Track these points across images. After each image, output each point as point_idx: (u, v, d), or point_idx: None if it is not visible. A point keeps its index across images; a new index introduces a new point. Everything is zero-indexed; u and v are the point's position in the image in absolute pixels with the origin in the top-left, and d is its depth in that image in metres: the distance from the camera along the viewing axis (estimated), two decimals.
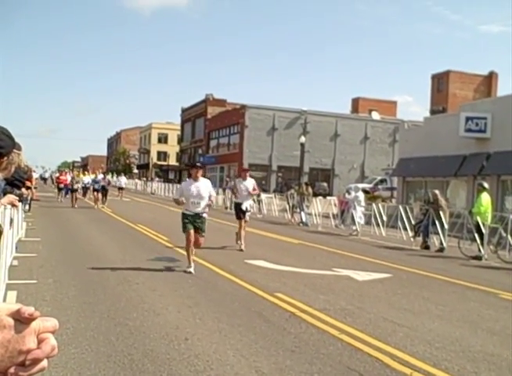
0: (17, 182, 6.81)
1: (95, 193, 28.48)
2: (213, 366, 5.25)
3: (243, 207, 14.67)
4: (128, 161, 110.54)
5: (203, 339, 6.09)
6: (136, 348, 5.67)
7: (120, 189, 40.39)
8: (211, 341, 6.02)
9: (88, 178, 35.30)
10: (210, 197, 10.77)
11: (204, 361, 5.36)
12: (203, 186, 10.66)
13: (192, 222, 10.53)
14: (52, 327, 0.91)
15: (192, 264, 10.51)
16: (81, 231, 17.07)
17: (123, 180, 42.17)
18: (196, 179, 10.71)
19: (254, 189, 14.88)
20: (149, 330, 6.36)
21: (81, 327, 6.35)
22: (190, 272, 10.23)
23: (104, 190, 29.09)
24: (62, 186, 33.21)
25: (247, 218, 14.77)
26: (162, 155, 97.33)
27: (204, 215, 10.76)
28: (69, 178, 33.36)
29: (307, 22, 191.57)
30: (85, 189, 33.92)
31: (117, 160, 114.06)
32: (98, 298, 7.95)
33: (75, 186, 29.50)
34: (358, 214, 21.51)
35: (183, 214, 10.72)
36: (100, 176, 30.37)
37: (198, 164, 11.42)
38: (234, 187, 15.72)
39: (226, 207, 34.24)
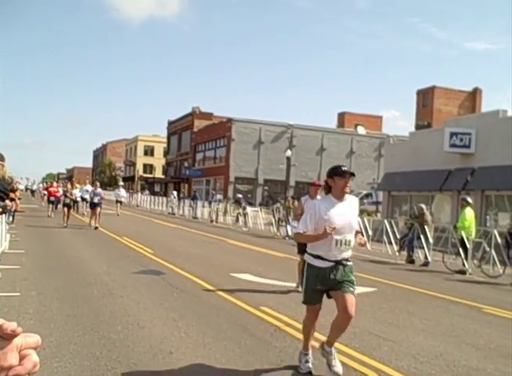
0: (1, 193, 6.76)
1: (93, 209, 23.36)
2: None
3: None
4: (113, 173, 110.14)
5: (188, 353, 6.06)
6: (120, 361, 5.62)
7: (119, 202, 35.29)
8: (196, 355, 5.98)
9: (78, 191, 32.05)
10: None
11: (189, 375, 5.32)
12: (351, 210, 5.97)
13: (327, 280, 5.81)
14: (34, 343, 0.90)
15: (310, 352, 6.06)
16: (65, 243, 16.94)
17: (122, 192, 36.58)
18: (341, 197, 5.91)
19: None
20: (133, 343, 6.32)
21: (65, 340, 6.29)
22: (308, 369, 5.86)
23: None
24: (53, 198, 29.43)
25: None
26: (148, 168, 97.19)
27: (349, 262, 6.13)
28: (61, 190, 30.33)
29: (294, 36, 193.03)
30: (75, 202, 30.55)
31: (102, 172, 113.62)
32: (82, 310, 7.89)
33: (67, 200, 24.63)
34: None
35: (309, 265, 5.96)
36: (99, 189, 24.73)
37: (346, 169, 6.17)
38: (294, 208, 10.17)
39: (212, 221, 34.19)
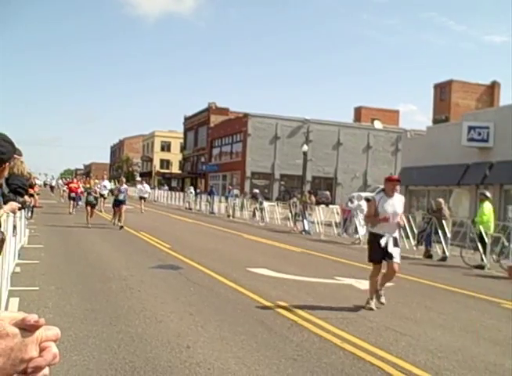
0: (20, 189, 6.83)
1: (118, 207, 21.47)
2: (214, 374, 5.25)
3: (384, 243, 8.78)
4: (130, 169, 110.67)
5: (205, 347, 6.09)
6: (138, 355, 5.67)
7: (142, 198, 33.30)
8: (213, 349, 6.01)
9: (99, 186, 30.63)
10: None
11: (206, 369, 5.36)
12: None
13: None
14: (53, 335, 0.92)
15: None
16: (83, 238, 17.08)
17: (146, 188, 34.56)
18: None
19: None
20: (150, 337, 6.36)
21: (83, 334, 6.35)
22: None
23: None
24: (73, 195, 28.44)
25: (397, 260, 8.94)
26: (165, 163, 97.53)
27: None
28: (81, 187, 30.19)
29: (311, 30, 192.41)
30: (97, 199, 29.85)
31: (119, 167, 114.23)
32: (100, 305, 7.96)
33: (91, 198, 22.51)
34: (362, 222, 21.50)
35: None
36: (124, 185, 22.93)
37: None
38: (369, 207, 9.78)
39: (229, 216, 34.26)
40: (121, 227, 20.34)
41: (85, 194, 22.78)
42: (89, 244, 15.57)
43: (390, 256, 8.78)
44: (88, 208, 21.87)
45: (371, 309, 8.56)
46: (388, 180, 9.45)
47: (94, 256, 13.22)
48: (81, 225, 20.76)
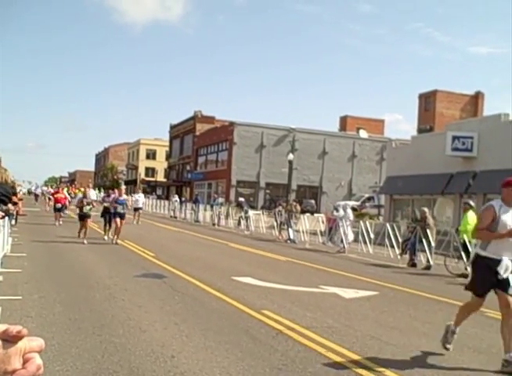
0: (4, 197, 6.78)
1: (115, 220, 18.56)
2: None
3: (504, 270, 6.55)
4: (115, 177, 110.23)
5: (190, 357, 6.05)
6: (122, 365, 5.62)
7: (137, 210, 29.89)
8: (198, 359, 5.98)
9: (92, 195, 28.61)
10: None
11: None
12: None
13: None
14: (37, 346, 0.91)
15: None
16: (66, 247, 16.94)
17: (141, 199, 31.43)
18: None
19: None
20: (134, 347, 6.31)
21: (66, 343, 6.29)
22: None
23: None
24: (59, 205, 26.02)
25: None
26: (150, 171, 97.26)
27: None
28: (66, 193, 28.51)
29: (297, 40, 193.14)
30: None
31: (104, 175, 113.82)
32: (83, 314, 7.89)
33: (87, 209, 18.76)
34: (349, 231, 21.58)
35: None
36: (124, 195, 19.76)
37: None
38: (484, 217, 6.82)
39: (214, 224, 34.21)
40: (117, 243, 18.10)
41: (83, 203, 18.78)
42: (73, 253, 15.45)
43: (504, 285, 6.57)
44: (81, 222, 18.69)
45: (447, 350, 6.84)
46: (508, 185, 6.76)
47: (78, 265, 13.12)
48: (69, 239, 20.44)
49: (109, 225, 19.58)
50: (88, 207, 18.65)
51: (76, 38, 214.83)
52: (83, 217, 18.57)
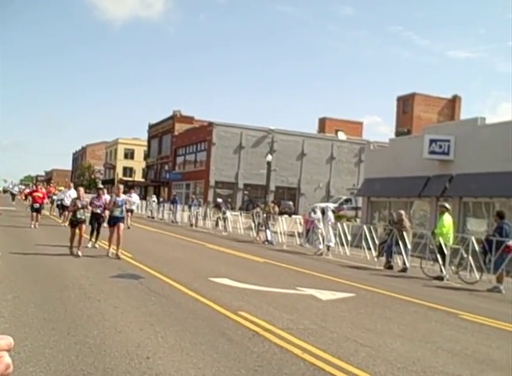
0: None
1: (112, 226, 15.26)
2: None
3: None
4: (93, 176, 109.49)
5: (165, 358, 6.02)
6: (96, 366, 5.57)
7: (129, 211, 26.27)
8: (173, 360, 5.95)
9: (60, 195, 28.55)
10: None
11: None
12: None
13: None
14: (6, 345, 0.89)
15: None
16: (42, 246, 16.74)
17: (134, 199, 29.03)
18: None
19: None
20: (109, 348, 6.26)
21: (40, 344, 6.22)
22: None
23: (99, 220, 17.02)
24: (37, 205, 24.14)
25: None
26: (128, 171, 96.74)
27: None
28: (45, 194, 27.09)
29: (277, 41, 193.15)
30: (63, 208, 26.09)
31: (81, 174, 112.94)
32: (58, 315, 7.81)
33: (80, 214, 15.28)
34: (331, 234, 21.64)
35: None
36: (123, 195, 16.64)
37: None
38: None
39: (192, 225, 34.11)
40: (118, 257, 14.69)
41: (78, 205, 15.30)
42: (48, 252, 15.26)
43: None
44: (74, 229, 15.08)
45: None
46: None
47: (53, 265, 12.98)
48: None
49: (98, 232, 17.06)
50: (82, 212, 15.30)
51: (55, 36, 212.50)
52: (76, 223, 15.02)
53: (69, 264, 13.23)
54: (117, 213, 15.26)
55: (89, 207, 16.18)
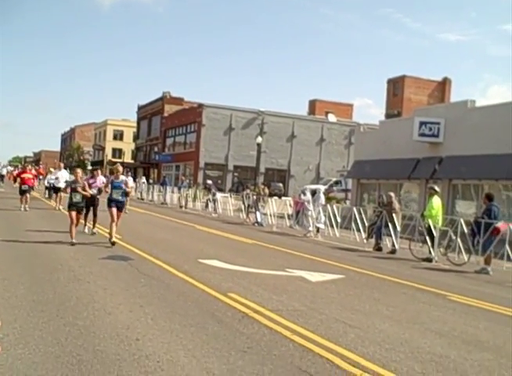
0: None
1: (113, 210, 13.99)
2: (163, 366, 5.19)
3: None
4: (82, 157, 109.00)
5: (155, 339, 6.02)
6: (85, 348, 5.56)
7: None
8: (163, 342, 5.95)
9: (50, 177, 27.80)
10: None
11: (155, 362, 5.30)
12: None
13: None
14: None
15: None
16: (31, 227, 16.67)
17: (130, 182, 22.91)
18: None
19: None
20: (99, 330, 6.26)
21: (29, 326, 6.20)
22: None
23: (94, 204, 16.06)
24: (26, 187, 23.40)
25: None
26: (117, 152, 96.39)
27: None
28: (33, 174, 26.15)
29: (268, 22, 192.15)
30: (55, 190, 25.07)
31: (70, 156, 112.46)
32: (47, 296, 7.79)
33: (79, 198, 14.02)
34: (322, 215, 21.68)
35: None
36: (122, 176, 15.07)
37: None
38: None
39: (181, 206, 34.09)
40: (113, 243, 13.60)
41: (68, 191, 14.25)
42: (37, 234, 15.21)
43: None
44: (73, 214, 13.70)
45: None
46: None
47: (42, 246, 12.93)
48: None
49: (94, 216, 16.12)
50: (78, 197, 13.87)
51: (43, 18, 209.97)
52: (73, 208, 13.77)
53: (58, 246, 13.18)
54: (116, 195, 14.05)
55: (88, 191, 14.45)
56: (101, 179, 16.85)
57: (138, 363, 5.25)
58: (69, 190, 14.08)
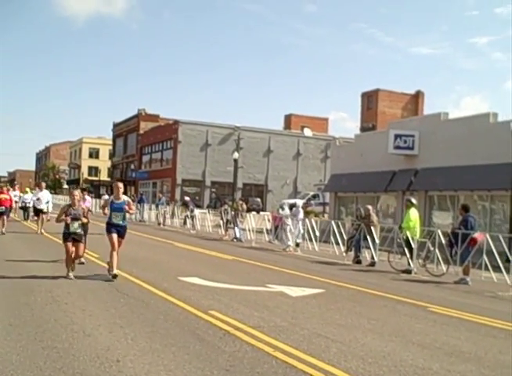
0: None
1: (113, 237, 11.72)
2: None
3: None
4: (57, 176, 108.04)
5: (136, 360, 5.93)
6: (65, 372, 5.45)
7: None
8: (144, 362, 5.87)
9: (31, 197, 26.54)
10: None
11: None
12: None
13: None
14: None
15: None
16: (6, 248, 16.43)
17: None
18: None
19: None
20: (78, 352, 6.15)
21: (6, 350, 6.07)
22: None
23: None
24: (3, 208, 22.25)
25: None
26: (93, 170, 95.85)
27: None
28: (14, 195, 25.37)
29: (242, 38, 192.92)
30: (36, 212, 23.24)
31: (45, 175, 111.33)
32: (24, 319, 7.64)
33: (77, 226, 11.80)
34: (300, 229, 21.70)
35: None
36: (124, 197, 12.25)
37: None
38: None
39: (159, 224, 33.91)
40: (115, 276, 11.41)
41: (69, 220, 11.66)
42: (13, 254, 14.97)
43: None
44: (70, 245, 11.57)
45: None
46: None
47: (18, 267, 12.70)
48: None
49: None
50: (76, 225, 11.73)
51: (15, 37, 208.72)
52: (70, 239, 11.66)
53: (34, 266, 12.97)
54: (116, 220, 11.82)
55: (86, 212, 12.34)
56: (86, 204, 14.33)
57: None
58: (69, 220, 11.63)
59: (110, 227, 11.82)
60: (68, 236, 11.65)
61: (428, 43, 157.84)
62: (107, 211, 11.96)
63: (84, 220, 12.07)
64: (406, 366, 6.26)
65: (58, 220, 11.93)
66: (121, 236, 12.01)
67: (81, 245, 12.00)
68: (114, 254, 11.64)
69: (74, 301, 9.04)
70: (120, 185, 12.30)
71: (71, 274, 11.45)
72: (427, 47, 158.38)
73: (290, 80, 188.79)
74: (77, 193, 12.49)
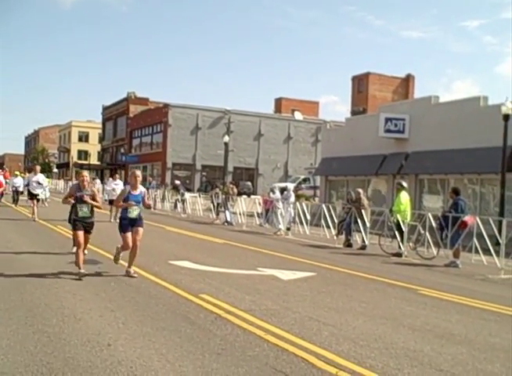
0: None
1: (127, 235, 10.35)
2: (136, 372, 5.09)
3: None
4: (47, 160, 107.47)
5: (127, 344, 5.91)
6: (56, 356, 5.43)
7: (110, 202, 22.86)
8: (135, 346, 5.85)
9: (24, 180, 25.91)
10: None
11: (128, 367, 5.19)
12: None
13: None
14: None
15: None
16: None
17: (120, 186, 23.24)
18: None
19: None
20: (69, 336, 6.12)
21: None
22: None
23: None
24: None
25: None
26: (83, 154, 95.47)
27: None
28: (2, 180, 24.78)
29: (234, 21, 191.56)
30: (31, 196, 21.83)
31: (35, 158, 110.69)
32: (14, 304, 7.60)
33: (86, 211, 10.37)
34: (291, 213, 21.71)
35: None
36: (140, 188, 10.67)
37: None
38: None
39: (150, 207, 33.80)
40: (129, 273, 10.28)
41: (71, 201, 10.66)
42: (3, 239, 14.90)
43: None
44: (81, 234, 10.24)
45: None
46: None
47: (8, 252, 12.64)
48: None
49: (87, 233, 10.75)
50: (85, 209, 10.34)
51: (2, 20, 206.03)
52: (80, 226, 10.32)
53: (24, 251, 12.91)
54: (133, 214, 10.28)
55: (96, 195, 10.66)
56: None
57: (111, 369, 5.14)
58: (73, 200, 10.49)
59: (127, 224, 10.25)
60: (76, 222, 10.29)
61: (419, 26, 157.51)
62: (123, 203, 10.32)
63: (96, 204, 10.50)
64: (397, 348, 6.28)
65: (67, 201, 10.69)
66: (140, 226, 10.46)
67: (90, 233, 10.69)
68: (133, 251, 10.35)
69: (65, 286, 9.00)
70: (138, 173, 10.88)
71: (83, 270, 9.84)
72: (417, 30, 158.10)
73: (280, 63, 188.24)
74: (86, 173, 10.89)
